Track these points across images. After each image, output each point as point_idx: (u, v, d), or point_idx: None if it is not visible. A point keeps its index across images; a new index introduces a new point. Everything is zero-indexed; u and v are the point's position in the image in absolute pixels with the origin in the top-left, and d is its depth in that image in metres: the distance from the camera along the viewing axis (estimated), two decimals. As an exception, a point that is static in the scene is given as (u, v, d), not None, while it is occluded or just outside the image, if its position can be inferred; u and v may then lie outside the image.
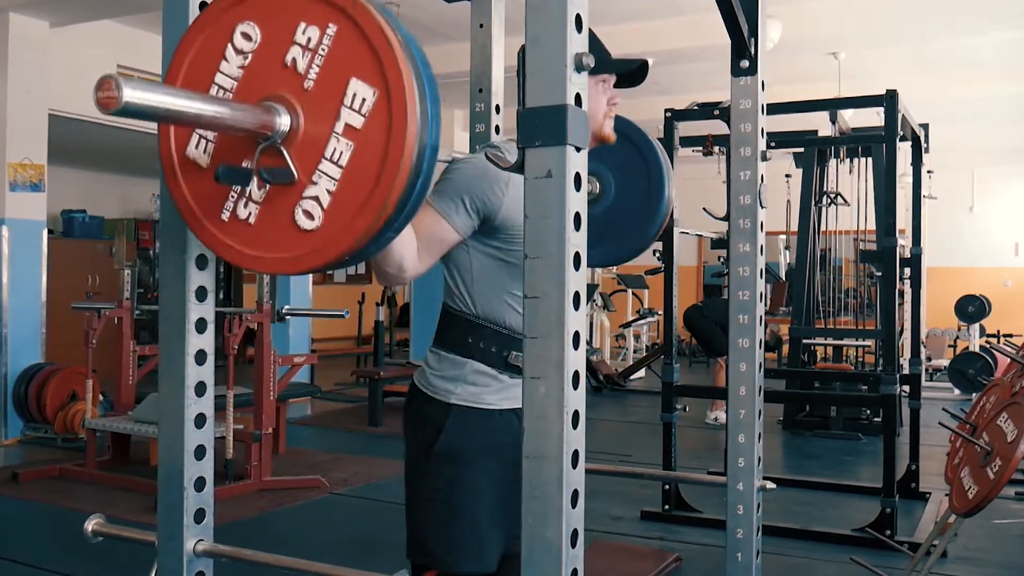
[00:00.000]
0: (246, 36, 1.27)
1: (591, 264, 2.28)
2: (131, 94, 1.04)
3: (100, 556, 3.16)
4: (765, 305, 2.17)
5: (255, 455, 4.95)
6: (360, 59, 1.19)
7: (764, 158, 2.08)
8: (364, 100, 1.18)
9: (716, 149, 5.18)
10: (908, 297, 6.91)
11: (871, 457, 6.04)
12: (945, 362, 10.13)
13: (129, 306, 5.65)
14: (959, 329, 11.02)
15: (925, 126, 5.52)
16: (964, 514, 2.93)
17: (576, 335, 1.12)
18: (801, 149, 7.56)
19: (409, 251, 1.56)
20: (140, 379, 5.78)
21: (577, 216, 1.12)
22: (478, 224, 1.66)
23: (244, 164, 1.25)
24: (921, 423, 5.05)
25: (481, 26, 2.22)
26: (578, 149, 1.11)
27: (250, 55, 1.26)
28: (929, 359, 10.38)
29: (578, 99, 1.12)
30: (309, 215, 1.22)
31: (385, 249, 1.41)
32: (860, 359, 9.08)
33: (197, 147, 1.31)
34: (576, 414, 1.12)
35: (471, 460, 1.68)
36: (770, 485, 2.07)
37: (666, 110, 4.78)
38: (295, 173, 1.21)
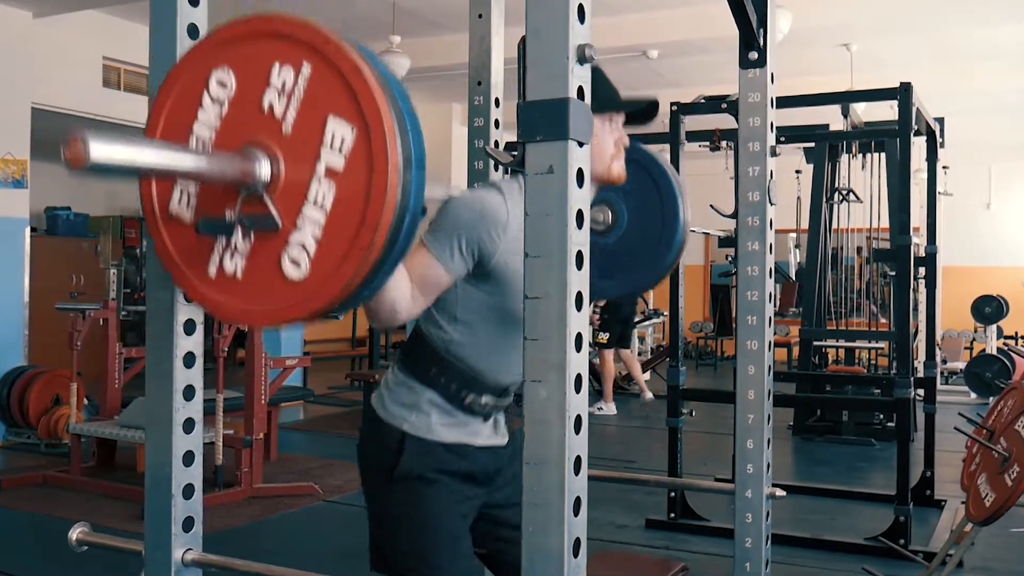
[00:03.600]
0: (221, 83, 1.28)
1: (608, 295, 2.29)
2: (99, 151, 1.04)
3: (85, 566, 3.16)
4: (774, 306, 2.17)
5: (245, 461, 4.95)
6: (336, 97, 1.19)
7: (773, 153, 2.08)
8: (343, 140, 1.19)
9: (724, 144, 5.18)
10: (923, 297, 6.92)
11: (884, 463, 6.04)
12: (961, 365, 10.13)
13: (115, 307, 5.65)
14: (975, 331, 11.02)
15: (940, 120, 5.52)
16: (981, 522, 2.93)
17: (578, 337, 1.12)
18: (812, 144, 7.56)
19: (402, 294, 1.57)
20: (126, 382, 5.78)
21: (579, 213, 1.12)
22: (472, 267, 1.66)
23: (227, 214, 1.25)
24: (936, 428, 5.04)
25: (480, 16, 2.22)
26: (580, 144, 1.11)
27: (227, 102, 1.28)
28: (944, 362, 10.38)
29: (580, 92, 1.12)
30: (296, 263, 1.22)
31: (378, 291, 1.42)
32: (873, 362, 9.08)
33: (180, 202, 1.32)
34: (578, 419, 1.12)
35: (432, 479, 1.71)
36: (780, 492, 2.07)
37: (672, 104, 4.77)
38: (279, 220, 1.22)
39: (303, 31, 1.21)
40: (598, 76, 1.74)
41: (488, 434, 1.78)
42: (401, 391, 1.74)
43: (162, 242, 1.32)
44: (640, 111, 1.85)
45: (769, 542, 2.07)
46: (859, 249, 8.31)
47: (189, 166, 1.17)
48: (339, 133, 1.19)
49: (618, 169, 1.80)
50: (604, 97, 1.75)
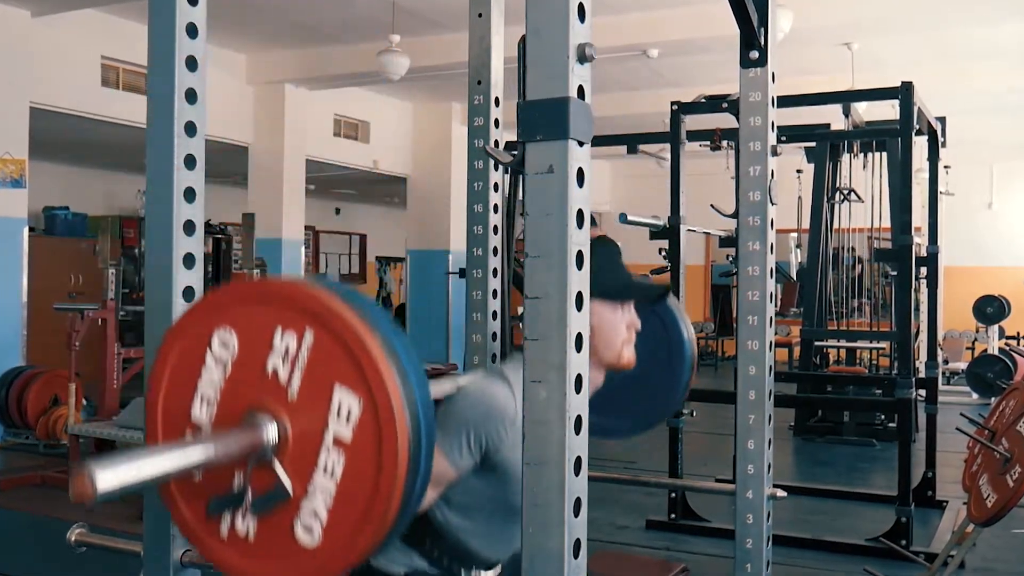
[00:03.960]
0: (224, 344, 1.26)
1: (618, 437, 2.29)
2: (106, 480, 1.03)
3: (84, 566, 3.16)
4: (775, 306, 2.17)
5: (245, 462, 4.93)
6: (341, 366, 1.17)
7: (774, 153, 2.08)
8: (350, 410, 1.17)
9: (724, 144, 5.18)
10: (924, 297, 6.92)
11: (886, 464, 6.04)
12: (963, 365, 10.13)
13: (114, 307, 5.65)
14: (977, 331, 11.03)
15: (942, 119, 5.52)
16: (983, 523, 2.93)
17: (579, 337, 1.12)
18: (813, 144, 7.57)
19: None
20: (125, 383, 5.78)
21: (580, 213, 1.12)
22: (478, 461, 1.66)
23: (236, 478, 1.24)
24: (938, 429, 5.05)
25: (480, 16, 2.22)
26: (581, 143, 1.11)
27: (230, 363, 1.26)
28: (946, 362, 10.38)
29: (581, 91, 1.11)
30: (309, 530, 1.20)
31: None
32: (874, 362, 9.08)
33: None
34: (578, 419, 1.12)
35: None
36: (780, 493, 2.07)
37: (672, 103, 4.78)
38: (289, 489, 1.20)
39: (304, 298, 1.20)
40: (613, 259, 1.75)
41: None
42: (393, 552, 1.73)
43: (174, 503, 1.30)
44: (652, 297, 1.84)
45: (770, 543, 2.07)
46: (852, 249, 8.30)
47: (199, 459, 1.16)
48: (346, 403, 1.17)
49: (628, 355, 1.79)
50: (618, 285, 1.76)
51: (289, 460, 1.20)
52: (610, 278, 1.74)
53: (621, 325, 1.77)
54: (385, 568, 1.72)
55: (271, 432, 1.20)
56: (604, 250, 1.78)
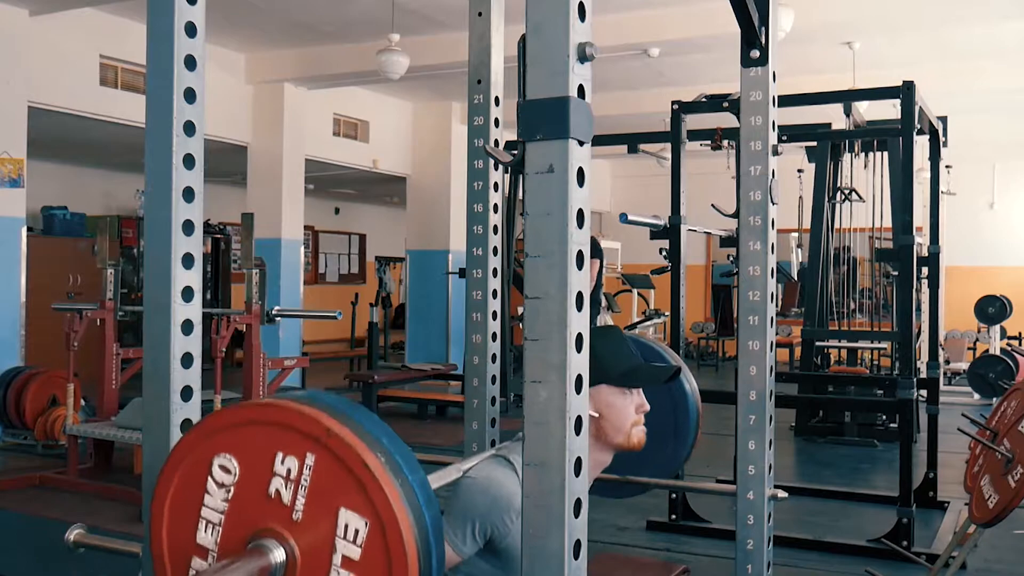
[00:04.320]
0: (224, 469, 1.26)
1: (625, 495, 2.29)
2: None
3: (82, 567, 3.16)
4: (776, 306, 2.17)
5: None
6: (344, 488, 1.17)
7: (775, 152, 2.08)
8: (357, 531, 1.17)
9: (725, 143, 5.18)
10: (926, 297, 6.92)
11: (887, 465, 6.04)
12: (964, 365, 10.13)
13: (112, 307, 5.65)
14: (979, 331, 11.02)
15: (944, 119, 5.52)
16: (984, 524, 2.93)
17: (579, 337, 1.12)
18: (814, 143, 7.56)
19: None
20: (123, 383, 5.77)
21: (580, 213, 1.12)
22: (482, 546, 1.67)
23: None
24: (939, 429, 5.04)
25: (480, 14, 2.21)
26: (581, 143, 1.11)
27: (232, 488, 1.26)
28: (948, 362, 10.39)
29: (581, 90, 1.11)
30: None
31: None
32: (875, 362, 9.08)
33: None
34: (579, 420, 1.12)
35: None
36: (781, 494, 2.07)
37: (673, 102, 4.78)
38: None
39: (301, 421, 1.19)
40: (618, 344, 1.76)
41: None
42: None
43: None
44: (661, 382, 1.85)
45: (771, 544, 2.07)
46: (847, 249, 8.29)
47: None
48: (352, 524, 1.17)
49: (638, 436, 1.80)
50: (625, 371, 1.77)
51: None
52: (617, 362, 1.75)
53: (630, 408, 1.79)
54: None
55: (278, 556, 1.20)
56: (608, 334, 1.79)
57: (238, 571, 1.19)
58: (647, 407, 1.82)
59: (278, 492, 1.21)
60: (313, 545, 1.20)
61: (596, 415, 1.75)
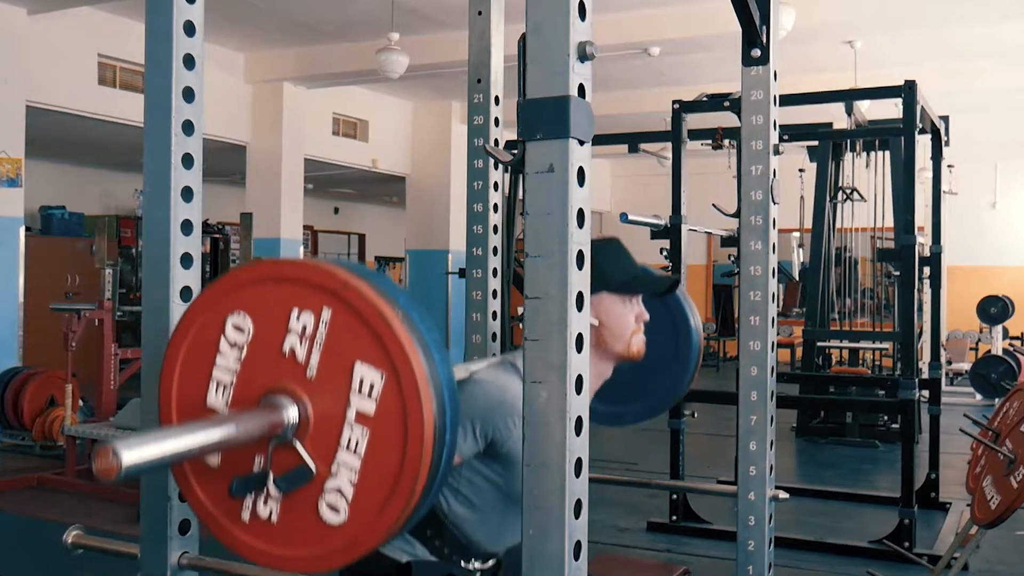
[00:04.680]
0: (238, 328, 1.25)
1: (627, 423, 2.30)
2: (131, 457, 1.02)
3: (80, 569, 3.16)
4: (778, 306, 2.17)
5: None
6: (361, 342, 1.17)
7: (777, 152, 2.08)
8: (373, 385, 1.16)
9: (726, 142, 5.18)
10: (928, 297, 6.92)
11: (889, 465, 6.04)
12: (966, 366, 10.13)
13: (110, 307, 5.65)
14: (981, 331, 11.02)
15: (945, 118, 5.52)
16: (986, 525, 2.93)
17: (579, 337, 1.12)
18: (815, 142, 7.57)
19: None
20: (122, 384, 5.78)
21: (580, 212, 1.12)
22: (483, 448, 1.68)
23: (257, 459, 1.24)
24: (941, 430, 5.05)
25: (480, 13, 2.21)
26: (581, 142, 1.11)
27: (245, 347, 1.25)
28: (949, 363, 10.39)
29: (581, 90, 1.11)
30: (334, 508, 1.19)
31: None
32: (877, 363, 9.08)
33: None
34: (579, 420, 1.12)
35: None
36: (783, 495, 2.06)
37: (674, 102, 4.78)
38: (313, 469, 1.20)
39: (319, 275, 1.19)
40: (618, 253, 1.77)
41: None
42: (394, 538, 1.74)
43: (191, 490, 1.29)
44: (661, 290, 1.84)
45: (772, 545, 2.07)
46: (844, 248, 8.29)
47: (221, 438, 1.15)
48: (368, 378, 1.16)
49: (638, 345, 1.80)
50: (625, 278, 1.77)
51: (311, 439, 1.20)
52: (617, 271, 1.76)
53: (629, 317, 1.79)
54: (389, 554, 1.73)
55: (291, 412, 1.20)
56: (609, 244, 1.79)
57: (250, 421, 1.18)
58: (647, 316, 1.82)
59: (292, 350, 1.21)
60: (327, 402, 1.19)
61: (596, 323, 1.76)
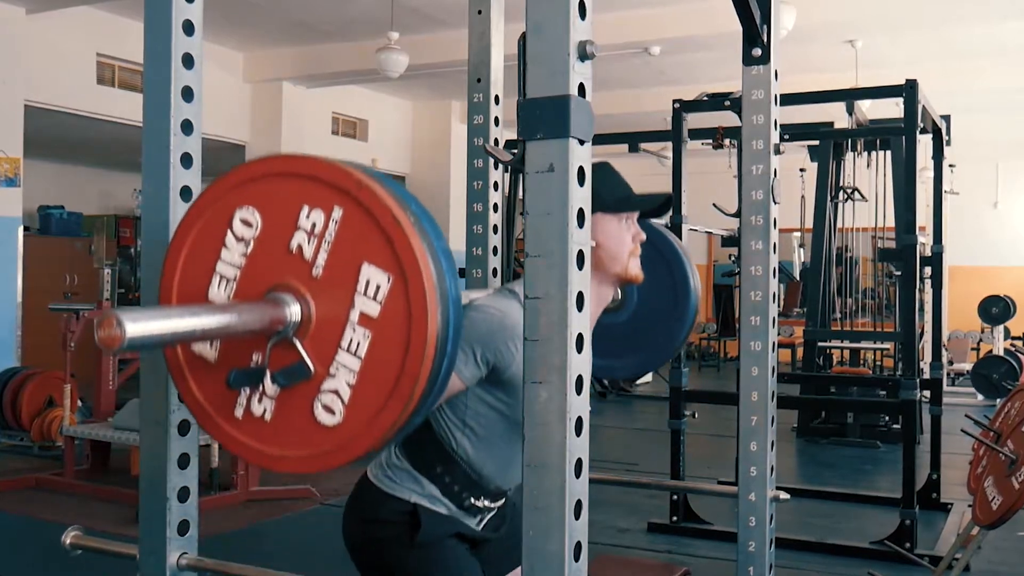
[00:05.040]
0: (246, 222, 1.25)
1: (621, 375, 2.30)
2: (134, 329, 1.02)
3: (79, 570, 3.16)
4: (778, 306, 2.17)
5: (241, 464, 4.94)
6: (370, 243, 1.16)
7: (777, 151, 2.08)
8: (379, 287, 1.16)
9: (727, 142, 5.18)
10: (929, 298, 6.92)
11: (890, 466, 6.04)
12: (968, 366, 10.13)
13: (109, 307, 5.65)
14: (983, 331, 11.02)
15: (947, 118, 5.51)
16: (988, 526, 2.93)
17: (579, 338, 1.12)
18: (816, 142, 7.56)
19: None
20: (121, 384, 5.78)
21: (580, 212, 1.12)
22: (485, 375, 1.67)
23: (255, 356, 1.24)
24: (943, 430, 5.05)
25: (480, 12, 2.22)
26: (581, 142, 1.11)
27: (252, 242, 1.24)
28: (951, 363, 10.38)
29: (581, 89, 1.11)
30: (329, 410, 1.19)
31: None
32: (878, 363, 9.08)
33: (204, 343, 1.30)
34: (579, 421, 1.12)
35: (446, 537, 1.74)
36: (783, 496, 2.07)
37: (674, 101, 4.78)
38: (311, 368, 1.19)
39: (334, 174, 1.19)
40: (610, 175, 1.76)
41: (475, 529, 1.81)
42: (403, 476, 1.75)
43: (186, 384, 1.29)
44: (655, 207, 1.84)
45: (773, 546, 2.07)
46: (845, 248, 8.28)
47: (222, 324, 1.15)
48: (374, 280, 1.16)
49: (635, 267, 1.80)
50: (619, 197, 1.76)
51: (311, 340, 1.20)
52: (611, 191, 1.75)
53: (626, 236, 1.78)
54: (398, 494, 1.73)
55: (294, 310, 1.20)
56: (602, 167, 1.79)
57: (252, 312, 1.18)
58: (643, 236, 1.81)
59: (300, 247, 1.21)
60: (330, 302, 1.19)
61: (594, 244, 1.76)
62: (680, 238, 4.70)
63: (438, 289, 1.14)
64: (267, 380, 1.22)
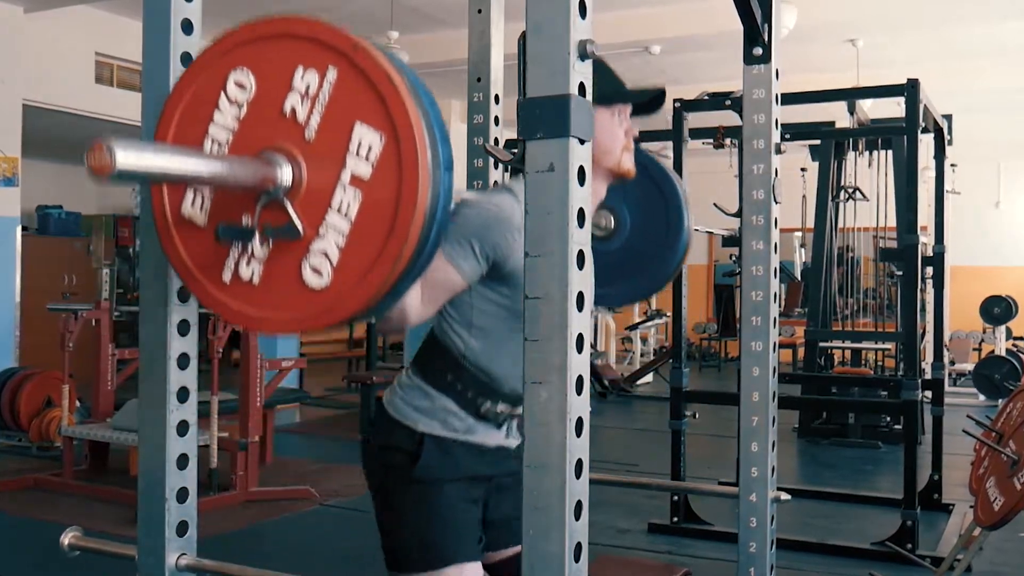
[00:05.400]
0: (240, 85, 1.26)
1: (611, 304, 2.30)
2: (125, 159, 1.03)
3: (77, 571, 3.16)
4: (779, 306, 2.17)
5: (241, 464, 4.94)
6: (364, 104, 1.17)
7: (778, 151, 2.08)
8: (371, 147, 1.17)
9: (728, 141, 5.18)
10: (931, 298, 6.92)
11: (891, 467, 6.03)
12: (969, 366, 10.12)
13: (108, 307, 5.65)
14: (984, 331, 11.01)
15: (948, 117, 5.51)
16: (990, 527, 2.93)
17: (580, 338, 1.12)
18: (817, 141, 7.57)
19: (412, 298, 1.58)
20: (119, 384, 5.78)
21: (580, 212, 1.12)
22: (486, 270, 1.67)
23: (244, 220, 1.24)
24: (944, 431, 5.04)
25: (480, 12, 2.22)
26: (582, 141, 1.11)
27: (245, 105, 1.25)
28: (952, 363, 10.38)
29: (582, 88, 1.12)
30: (317, 272, 1.20)
31: None
32: (880, 363, 9.08)
33: (193, 205, 1.30)
34: (579, 421, 1.12)
35: (446, 481, 1.73)
36: (784, 496, 2.07)
37: (675, 100, 4.77)
38: (301, 228, 1.20)
39: (330, 35, 1.19)
40: (603, 68, 1.75)
41: (501, 438, 1.79)
42: (415, 395, 1.75)
43: (173, 246, 1.30)
44: (647, 101, 1.84)
45: (774, 547, 2.07)
46: (847, 248, 8.28)
47: (212, 171, 1.16)
48: (366, 140, 1.17)
49: (628, 162, 1.79)
50: (611, 89, 1.75)
51: (301, 202, 1.20)
52: (603, 84, 1.72)
53: (619, 131, 1.78)
54: (407, 421, 1.73)
55: (285, 171, 1.20)
56: (596, 61, 1.79)
57: (243, 166, 1.18)
58: (636, 132, 1.81)
59: (293, 109, 1.22)
60: (322, 163, 1.19)
61: None
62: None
63: (430, 150, 1.15)
64: (255, 241, 1.23)
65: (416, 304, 1.59)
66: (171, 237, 1.30)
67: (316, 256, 1.20)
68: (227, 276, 1.27)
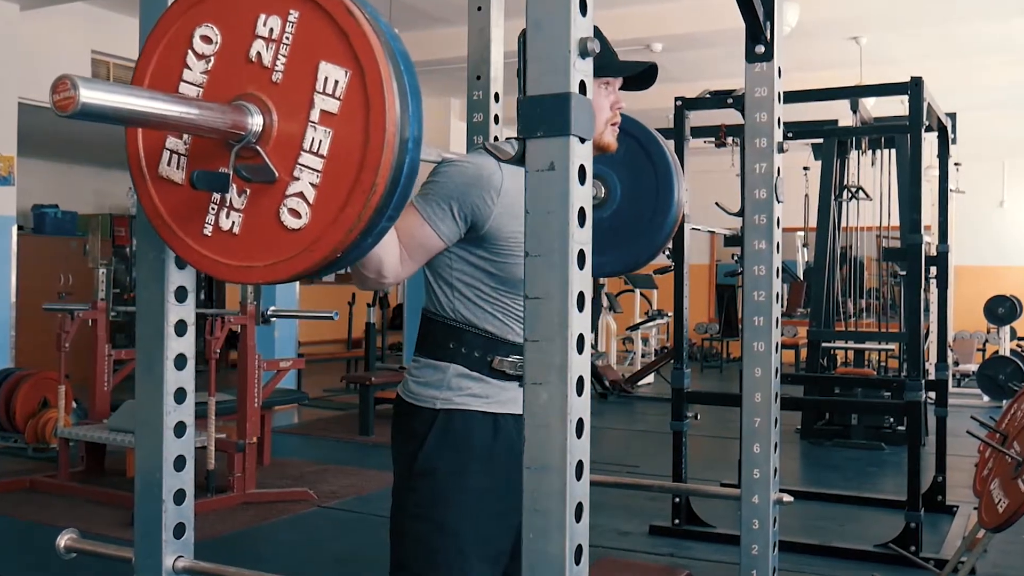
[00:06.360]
0: (206, 39, 1.30)
1: (601, 274, 2.30)
2: (89, 94, 1.05)
3: (74, 573, 3.16)
4: (782, 306, 2.17)
5: (238, 466, 4.94)
6: (327, 41, 1.21)
7: (781, 149, 2.08)
8: (337, 83, 1.20)
9: (730, 140, 5.18)
10: (934, 298, 6.92)
11: (895, 468, 6.04)
12: (974, 367, 10.13)
13: (104, 307, 5.65)
14: (988, 332, 11.01)
15: (952, 115, 5.51)
16: (994, 529, 2.93)
17: (580, 338, 1.12)
18: (820, 140, 7.56)
19: (390, 255, 1.59)
20: (116, 385, 5.78)
21: (581, 211, 1.12)
22: (464, 232, 1.68)
23: (220, 171, 1.27)
24: (948, 432, 5.04)
25: (479, 9, 2.22)
26: (582, 140, 1.11)
27: (212, 58, 1.29)
28: (956, 364, 10.38)
29: (582, 87, 1.12)
30: (296, 213, 1.23)
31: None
32: (883, 364, 9.08)
33: (170, 163, 1.33)
34: (580, 422, 1.12)
35: (455, 474, 1.71)
36: (787, 498, 2.07)
37: (676, 98, 4.78)
38: (275, 171, 1.23)
39: None
40: (597, 37, 1.75)
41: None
42: (426, 372, 1.76)
43: (152, 203, 1.33)
44: (638, 75, 1.84)
45: (776, 549, 2.07)
46: (849, 248, 8.28)
47: (179, 112, 1.18)
48: (332, 76, 1.20)
49: (610, 136, 1.81)
50: (602, 60, 1.76)
51: (274, 147, 1.24)
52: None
53: (605, 102, 1.79)
54: (423, 403, 1.74)
55: (255, 117, 1.24)
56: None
57: (213, 111, 1.21)
58: (623, 105, 1.83)
59: (259, 55, 1.26)
60: (291, 105, 1.23)
61: None
62: (683, 237, 4.71)
63: (395, 79, 1.18)
64: (233, 191, 1.26)
65: (393, 261, 1.60)
66: (149, 193, 1.33)
67: (293, 199, 1.23)
68: (208, 230, 1.30)
